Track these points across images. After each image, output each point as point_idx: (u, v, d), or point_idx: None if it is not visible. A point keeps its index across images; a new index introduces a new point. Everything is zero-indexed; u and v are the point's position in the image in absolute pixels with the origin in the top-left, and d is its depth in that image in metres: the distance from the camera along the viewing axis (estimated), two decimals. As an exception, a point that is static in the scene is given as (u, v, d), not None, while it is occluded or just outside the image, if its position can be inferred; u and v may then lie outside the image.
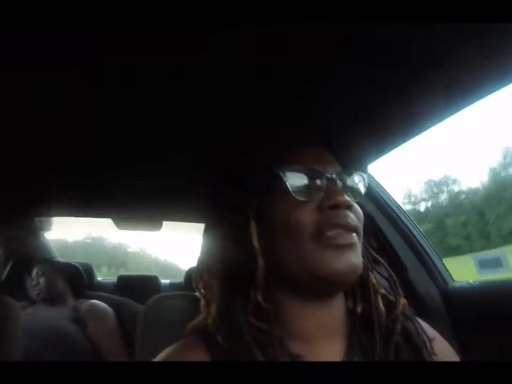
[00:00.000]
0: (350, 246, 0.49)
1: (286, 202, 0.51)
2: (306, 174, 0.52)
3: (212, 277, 0.57)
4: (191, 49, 0.50)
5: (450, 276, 1.12)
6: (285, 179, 0.51)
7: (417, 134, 0.82)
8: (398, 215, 1.08)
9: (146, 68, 0.55)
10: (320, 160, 0.55)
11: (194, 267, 0.63)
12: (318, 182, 0.52)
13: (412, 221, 1.11)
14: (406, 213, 1.10)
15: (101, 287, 2.14)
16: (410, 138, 0.84)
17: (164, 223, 1.61)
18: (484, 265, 1.22)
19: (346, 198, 0.50)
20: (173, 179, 1.04)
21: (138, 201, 1.24)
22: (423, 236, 1.11)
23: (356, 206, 0.53)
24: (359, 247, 0.51)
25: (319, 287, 0.50)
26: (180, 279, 2.35)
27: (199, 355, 0.50)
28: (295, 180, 0.51)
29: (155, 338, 0.70)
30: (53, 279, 1.73)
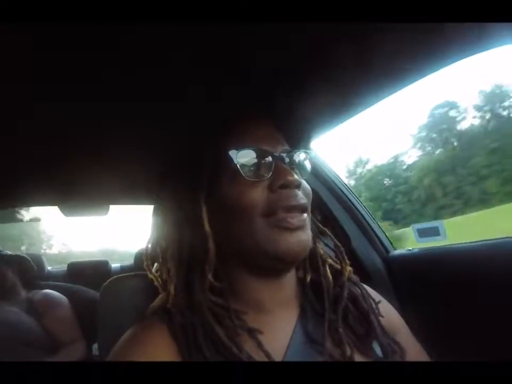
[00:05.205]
0: (301, 227, 0.52)
1: (236, 182, 0.52)
2: (255, 153, 0.53)
3: (168, 258, 0.57)
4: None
5: (391, 244, 1.19)
6: (235, 159, 0.51)
7: (357, 113, 0.86)
8: (340, 189, 1.13)
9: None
10: (268, 140, 0.56)
11: (145, 250, 0.63)
12: (267, 161, 0.53)
13: (354, 193, 1.16)
14: (348, 187, 1.15)
15: (52, 276, 2.08)
16: (350, 117, 0.87)
17: (111, 206, 1.57)
18: (422, 233, 1.30)
19: (295, 176, 0.52)
20: (118, 163, 1.00)
21: (84, 187, 1.19)
22: (365, 207, 1.17)
23: (304, 183, 0.56)
24: (308, 224, 0.54)
25: (272, 264, 0.52)
26: (130, 261, 2.34)
27: (160, 333, 0.51)
28: (244, 160, 0.52)
29: (115, 320, 0.70)
30: (3, 273, 1.66)
